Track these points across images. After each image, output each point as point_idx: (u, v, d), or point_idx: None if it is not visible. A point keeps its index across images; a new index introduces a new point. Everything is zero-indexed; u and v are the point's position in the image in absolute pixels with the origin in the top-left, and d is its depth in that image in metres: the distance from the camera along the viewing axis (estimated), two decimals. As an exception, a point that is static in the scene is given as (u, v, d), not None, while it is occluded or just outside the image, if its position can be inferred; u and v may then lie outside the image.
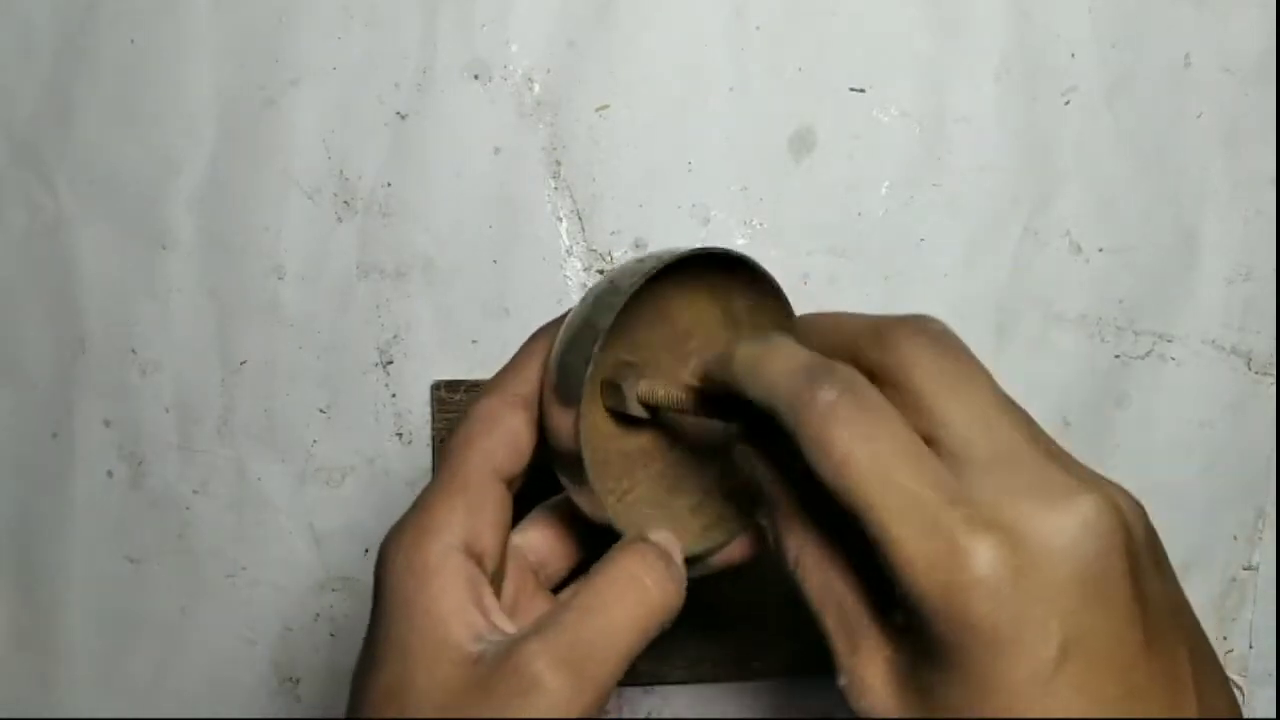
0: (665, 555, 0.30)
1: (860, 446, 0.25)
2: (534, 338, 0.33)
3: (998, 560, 0.23)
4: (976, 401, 0.26)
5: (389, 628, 0.28)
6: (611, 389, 0.33)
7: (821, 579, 0.29)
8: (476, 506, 0.30)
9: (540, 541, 0.34)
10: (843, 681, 0.27)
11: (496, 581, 0.31)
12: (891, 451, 0.25)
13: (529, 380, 0.32)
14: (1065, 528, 0.24)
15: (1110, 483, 0.26)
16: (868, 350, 0.28)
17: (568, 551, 0.35)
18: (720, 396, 0.31)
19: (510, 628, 0.29)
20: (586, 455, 0.30)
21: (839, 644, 0.28)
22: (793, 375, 0.27)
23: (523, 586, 0.33)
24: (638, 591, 0.29)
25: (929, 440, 0.26)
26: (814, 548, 0.29)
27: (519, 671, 0.26)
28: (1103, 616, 0.24)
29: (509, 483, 0.31)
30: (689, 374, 0.34)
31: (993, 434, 0.26)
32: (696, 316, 0.34)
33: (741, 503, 0.34)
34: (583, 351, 0.30)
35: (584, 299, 0.32)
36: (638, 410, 0.33)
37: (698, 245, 0.31)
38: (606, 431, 0.34)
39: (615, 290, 0.30)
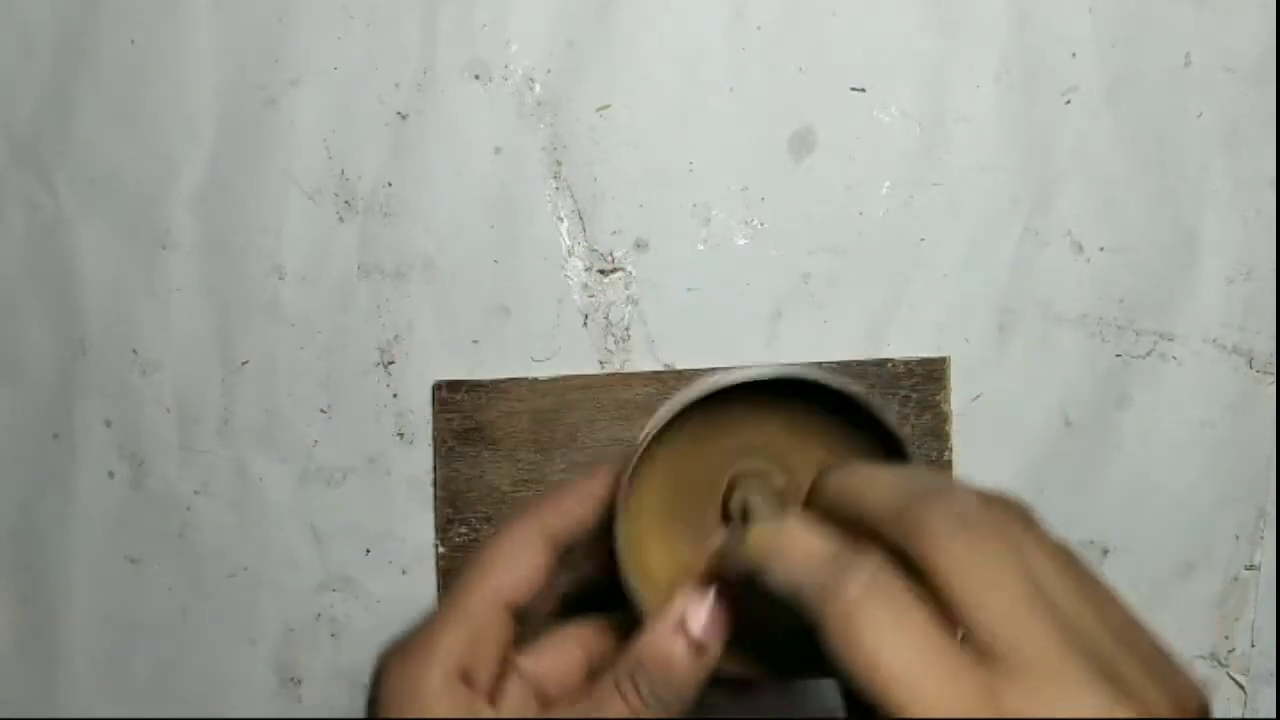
0: None
1: (887, 648, 0.24)
2: (589, 475, 0.34)
3: None
4: (1006, 597, 0.25)
5: None
6: (730, 489, 0.34)
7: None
8: (479, 637, 0.31)
9: (549, 668, 0.34)
10: None
11: (495, 697, 0.32)
12: (920, 653, 0.24)
13: (562, 516, 0.33)
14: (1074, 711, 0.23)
15: (1174, 680, 0.24)
16: (890, 533, 0.26)
17: (572, 677, 0.35)
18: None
19: None
20: (633, 582, 0.31)
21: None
22: (816, 563, 0.26)
23: (525, 707, 0.33)
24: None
25: (961, 627, 0.25)
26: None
27: None
28: None
29: (517, 612, 0.32)
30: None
31: (1024, 634, 0.24)
32: (788, 437, 0.34)
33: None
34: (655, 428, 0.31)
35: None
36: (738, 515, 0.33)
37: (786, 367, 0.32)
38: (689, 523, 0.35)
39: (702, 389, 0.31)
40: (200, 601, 0.51)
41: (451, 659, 0.30)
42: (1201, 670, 0.51)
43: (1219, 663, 0.51)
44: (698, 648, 0.30)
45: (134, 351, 0.50)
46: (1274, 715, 0.52)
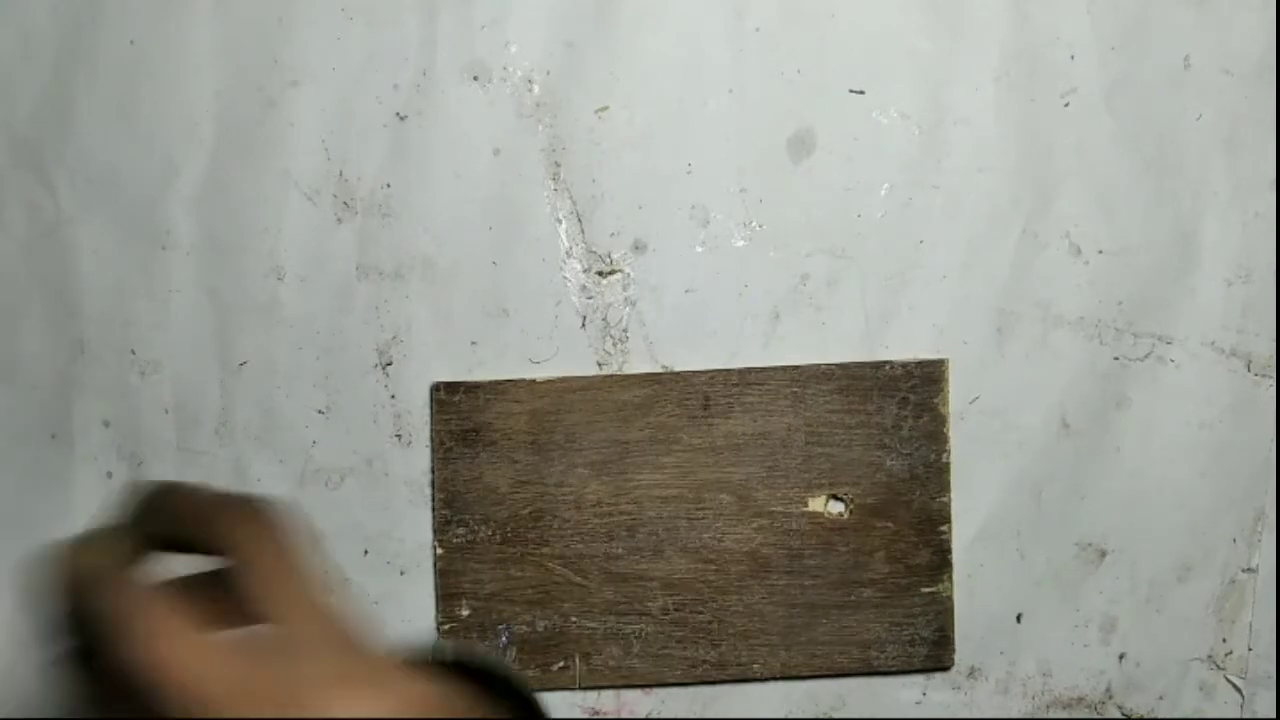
0: None
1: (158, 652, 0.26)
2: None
3: None
4: (292, 591, 0.28)
5: None
6: None
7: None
8: None
9: None
10: None
11: None
12: (185, 650, 0.26)
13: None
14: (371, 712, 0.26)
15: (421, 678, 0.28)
16: (197, 535, 0.30)
17: None
18: None
19: None
20: None
21: None
22: (81, 581, 0.29)
23: None
24: None
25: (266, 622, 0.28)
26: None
27: None
28: None
29: None
30: None
31: (308, 623, 0.28)
32: None
33: None
34: None
35: None
36: None
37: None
38: None
39: None
40: (198, 602, 0.51)
41: None
42: (1199, 673, 0.51)
43: (1216, 665, 0.51)
44: None
45: (133, 352, 0.50)
46: (1272, 718, 0.52)
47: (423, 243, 0.50)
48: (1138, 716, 0.52)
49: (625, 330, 0.50)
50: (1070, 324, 0.51)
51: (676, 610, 0.50)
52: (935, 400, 0.50)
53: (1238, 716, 0.52)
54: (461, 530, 0.50)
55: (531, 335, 0.50)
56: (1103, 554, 0.51)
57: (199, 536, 0.30)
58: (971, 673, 0.51)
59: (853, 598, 0.50)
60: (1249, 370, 0.51)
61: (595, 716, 0.51)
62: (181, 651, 0.26)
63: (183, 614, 0.27)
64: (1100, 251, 0.51)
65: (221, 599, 0.29)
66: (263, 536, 0.29)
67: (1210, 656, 0.51)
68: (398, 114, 0.50)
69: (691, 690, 0.51)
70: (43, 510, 0.51)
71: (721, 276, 0.50)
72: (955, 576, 0.50)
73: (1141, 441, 0.51)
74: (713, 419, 0.50)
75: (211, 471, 0.51)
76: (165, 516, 0.31)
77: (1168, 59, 0.50)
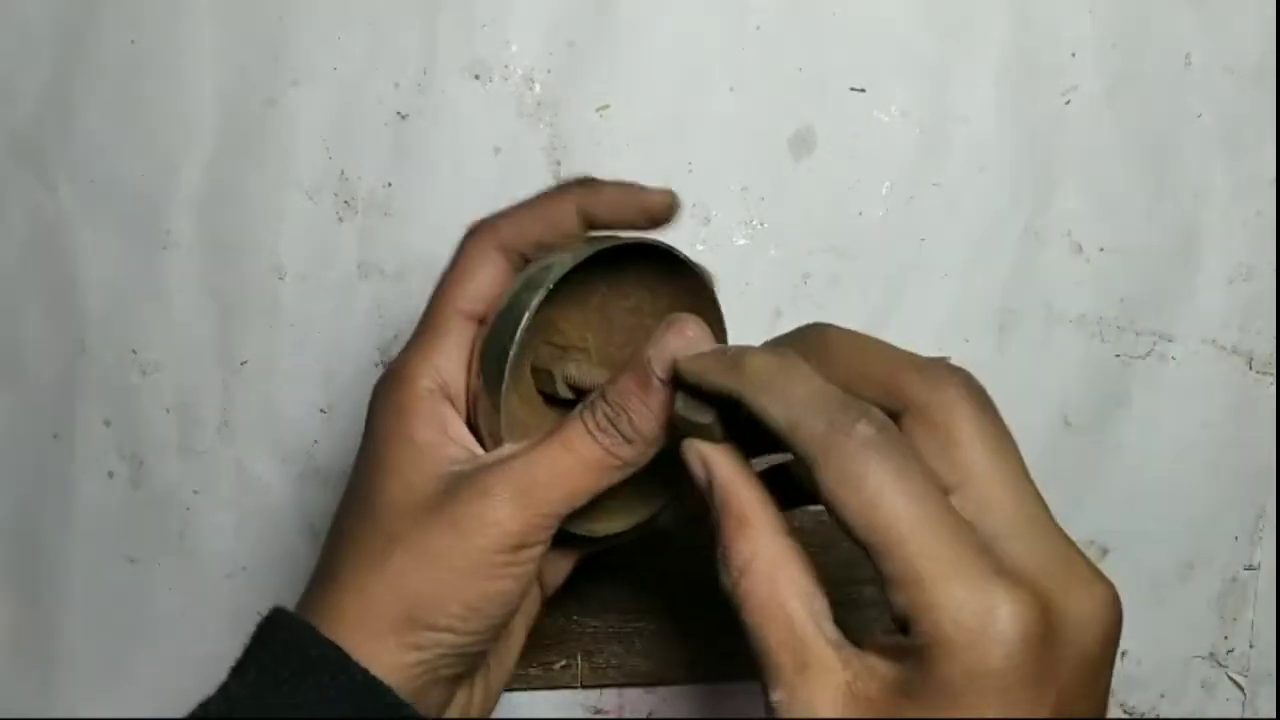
0: (622, 416, 0.32)
1: (894, 485, 0.25)
2: (543, 195, 0.36)
3: (1032, 618, 0.24)
4: (1008, 465, 0.27)
5: (373, 453, 0.34)
6: (543, 373, 0.36)
7: (769, 591, 0.28)
8: (450, 351, 0.34)
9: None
10: (777, 698, 0.27)
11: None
12: (925, 495, 0.25)
13: (517, 231, 0.35)
14: (1091, 606, 0.25)
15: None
16: (909, 384, 0.28)
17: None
18: (691, 390, 0.31)
19: (480, 452, 0.33)
20: (508, 438, 0.33)
21: (781, 659, 0.27)
22: (823, 405, 0.27)
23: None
24: (588, 447, 0.32)
25: (948, 489, 0.27)
26: (769, 557, 0.28)
27: (475, 487, 0.31)
28: (1091, 696, 0.25)
29: (482, 318, 0.34)
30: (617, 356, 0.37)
31: (1020, 500, 0.27)
32: (624, 304, 0.38)
33: (653, 483, 0.36)
34: (506, 335, 0.33)
35: (516, 280, 0.34)
36: (565, 393, 0.36)
37: (634, 236, 0.34)
38: (529, 413, 0.37)
39: (545, 272, 0.33)
40: (200, 602, 0.51)
41: (430, 376, 0.33)
42: (1201, 670, 0.52)
43: (1218, 663, 0.51)
44: (660, 384, 0.31)
45: (134, 351, 0.50)
46: (1273, 716, 0.52)
47: (424, 242, 0.50)
48: (1139, 714, 0.52)
49: (627, 329, 0.50)
50: (1071, 322, 0.51)
51: (679, 608, 0.50)
52: (937, 398, 0.50)
53: (1239, 714, 0.52)
54: (463, 529, 0.50)
55: (533, 334, 0.50)
56: (1104, 552, 0.51)
57: (900, 383, 0.28)
58: (973, 671, 0.51)
59: (854, 596, 0.50)
60: (1250, 368, 0.51)
61: (597, 715, 0.51)
62: (916, 493, 0.25)
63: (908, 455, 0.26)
64: (1101, 249, 0.51)
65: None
66: (979, 400, 0.28)
67: (1212, 654, 0.51)
68: (399, 113, 0.50)
69: (694, 689, 0.51)
70: (43, 510, 0.51)
71: (723, 275, 0.50)
72: (957, 575, 0.50)
73: (1143, 439, 0.51)
74: (714, 418, 0.50)
75: (213, 471, 0.51)
76: (842, 364, 0.30)
77: (1169, 57, 0.50)
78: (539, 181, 0.50)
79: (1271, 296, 0.51)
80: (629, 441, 0.32)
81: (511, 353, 0.32)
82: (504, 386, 0.32)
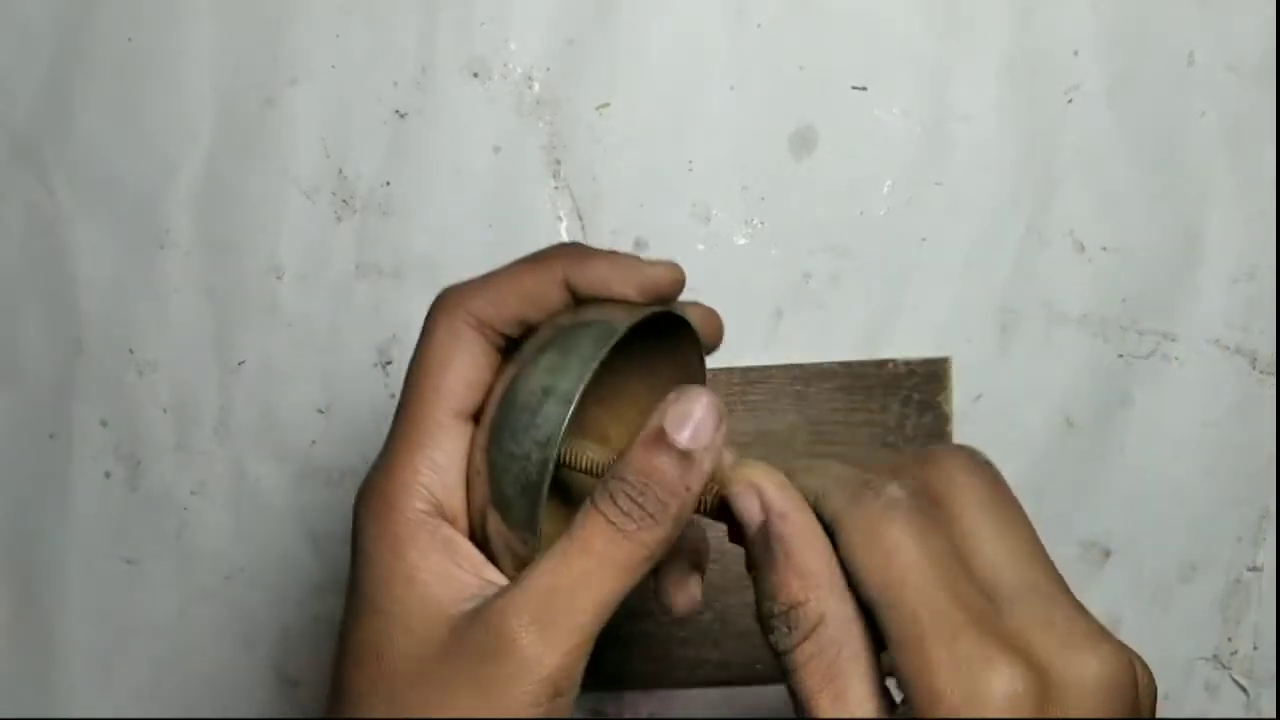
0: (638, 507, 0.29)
1: (912, 544, 0.25)
2: (523, 263, 0.32)
3: (1023, 686, 0.24)
4: (1014, 534, 0.27)
5: (370, 596, 0.29)
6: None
7: (834, 663, 0.27)
8: (441, 462, 0.30)
9: None
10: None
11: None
12: (941, 554, 0.25)
13: (498, 303, 0.31)
14: (1090, 672, 0.24)
15: (1128, 647, 0.26)
16: (912, 468, 0.28)
17: None
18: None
19: (500, 579, 0.29)
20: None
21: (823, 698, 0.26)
22: (854, 474, 0.27)
23: None
24: (611, 540, 0.28)
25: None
26: (839, 624, 0.27)
27: (490, 629, 0.27)
28: None
29: (474, 415, 0.30)
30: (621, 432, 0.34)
31: (1025, 568, 0.26)
32: (623, 373, 0.33)
33: None
34: (531, 462, 0.28)
35: (519, 372, 0.29)
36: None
37: (642, 310, 0.30)
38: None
39: (559, 373, 0.29)
40: (197, 602, 0.51)
41: (422, 496, 0.29)
42: (1204, 672, 0.51)
43: (1221, 664, 0.51)
44: (683, 456, 0.28)
45: (131, 351, 0.50)
46: (1276, 717, 0.51)
47: (423, 241, 0.50)
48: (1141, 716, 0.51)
49: (626, 329, 0.50)
50: (1074, 321, 0.51)
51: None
52: (938, 398, 0.50)
53: (1243, 716, 0.52)
54: (462, 530, 0.50)
55: (532, 334, 0.50)
56: (1107, 553, 0.51)
57: (904, 470, 0.28)
58: (975, 673, 0.51)
59: (855, 597, 0.50)
60: (1253, 368, 0.51)
61: (598, 718, 0.51)
62: (933, 553, 0.25)
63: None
64: (1104, 249, 0.50)
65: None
66: (983, 475, 0.28)
67: (1215, 656, 0.51)
68: (397, 111, 0.50)
69: (694, 693, 0.51)
70: (40, 510, 0.51)
71: (723, 274, 0.50)
72: (959, 576, 0.50)
73: (1145, 440, 0.51)
74: (714, 418, 0.50)
75: (210, 471, 0.50)
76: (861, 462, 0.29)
77: (1171, 55, 0.50)
78: (539, 179, 0.50)
79: (1274, 296, 0.51)
80: (657, 523, 0.28)
81: (545, 487, 0.28)
82: (539, 527, 0.28)
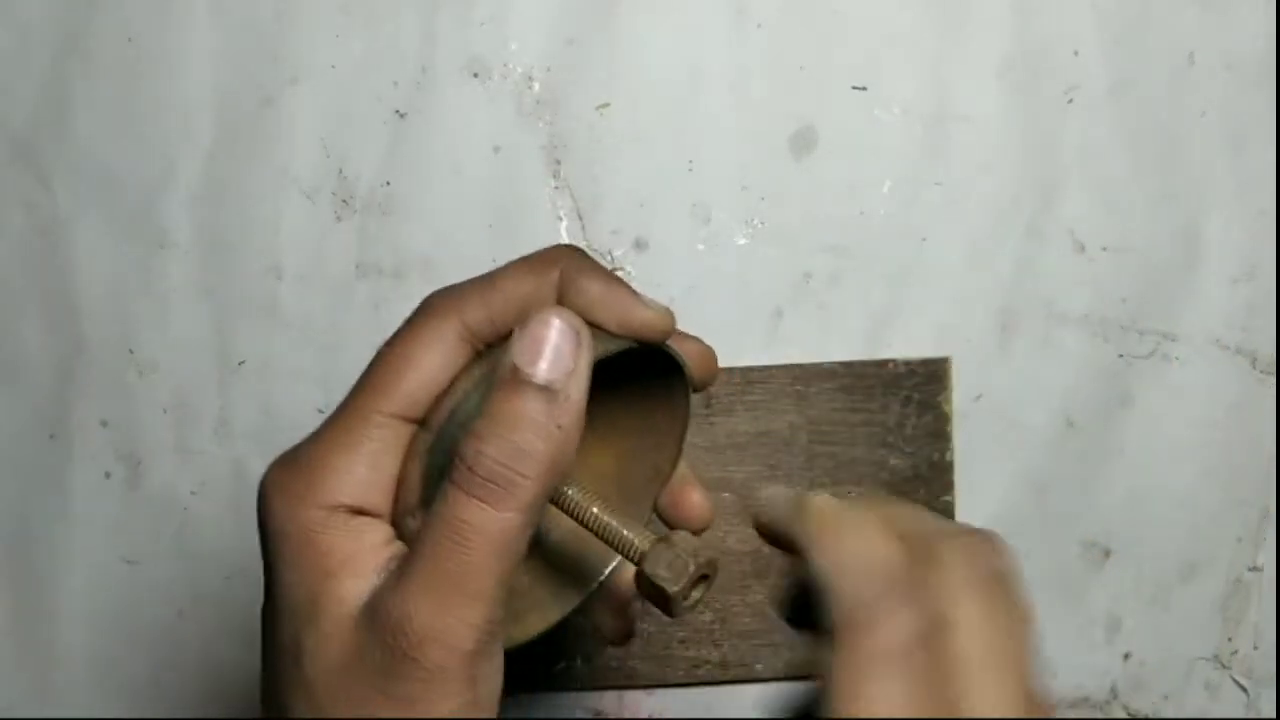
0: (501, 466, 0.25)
1: (894, 705, 0.24)
2: (521, 269, 0.30)
3: None
4: (1008, 685, 0.24)
5: (282, 586, 0.27)
6: None
7: None
8: (375, 463, 0.27)
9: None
10: None
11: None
12: (921, 710, 0.24)
13: (497, 320, 0.29)
14: None
15: None
16: (916, 572, 0.25)
17: None
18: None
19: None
20: None
21: None
22: (864, 580, 0.25)
23: None
24: (480, 514, 0.25)
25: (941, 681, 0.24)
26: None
27: (386, 617, 0.25)
28: None
29: (421, 420, 0.28)
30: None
31: (1004, 698, 0.24)
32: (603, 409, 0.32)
33: (564, 578, 0.34)
34: None
35: (471, 381, 0.28)
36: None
37: (620, 342, 0.29)
38: None
39: None
40: (197, 603, 0.51)
41: (344, 491, 0.27)
42: (1204, 672, 0.51)
43: (1222, 665, 0.51)
44: (545, 391, 0.25)
45: (131, 351, 0.50)
46: (1276, 717, 0.51)
47: (422, 241, 0.50)
48: (1142, 716, 0.51)
49: (626, 329, 0.50)
50: (1074, 321, 0.51)
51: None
52: (939, 398, 0.50)
53: (1243, 716, 0.52)
54: (462, 530, 0.50)
55: (532, 334, 0.50)
56: (1107, 553, 0.51)
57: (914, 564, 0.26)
58: (975, 673, 0.51)
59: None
60: (1254, 368, 0.51)
61: (597, 717, 0.51)
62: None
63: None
64: (1104, 248, 0.50)
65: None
66: (986, 592, 0.25)
67: (1215, 656, 0.51)
68: (397, 111, 0.49)
69: (694, 691, 0.51)
70: (41, 510, 0.51)
71: (723, 274, 0.50)
72: (959, 576, 0.50)
73: (1146, 440, 0.51)
74: (714, 418, 0.50)
75: (210, 472, 0.50)
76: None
77: (1171, 55, 0.50)
78: (539, 179, 0.50)
79: (1275, 296, 0.51)
80: (530, 478, 0.25)
81: None
82: None
